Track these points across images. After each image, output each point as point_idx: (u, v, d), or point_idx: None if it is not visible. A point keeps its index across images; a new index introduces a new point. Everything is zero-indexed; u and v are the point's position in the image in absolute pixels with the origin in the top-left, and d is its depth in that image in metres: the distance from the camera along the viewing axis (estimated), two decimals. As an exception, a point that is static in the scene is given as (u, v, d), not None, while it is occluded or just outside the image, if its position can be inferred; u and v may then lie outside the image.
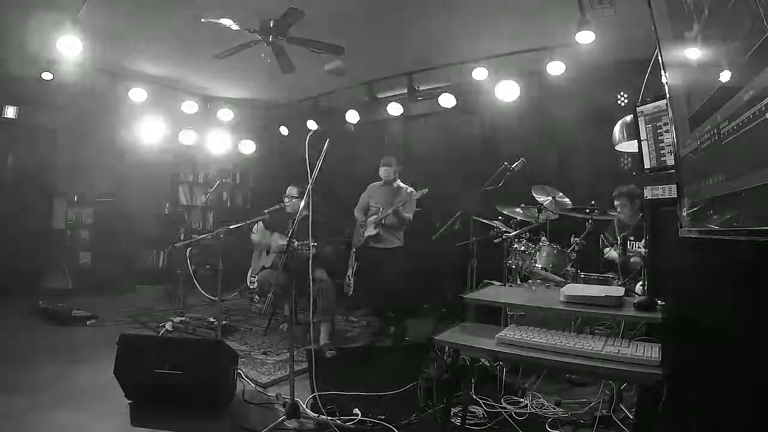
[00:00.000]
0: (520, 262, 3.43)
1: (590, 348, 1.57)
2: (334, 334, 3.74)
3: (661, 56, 1.60)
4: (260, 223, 4.10)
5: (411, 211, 4.02)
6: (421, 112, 5.82)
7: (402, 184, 4.19)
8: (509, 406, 2.50)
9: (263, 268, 3.98)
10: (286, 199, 3.91)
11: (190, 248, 5.46)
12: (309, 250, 2.74)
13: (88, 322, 4.17)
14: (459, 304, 3.08)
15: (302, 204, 2.54)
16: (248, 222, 3.96)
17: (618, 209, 3.44)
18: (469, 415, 2.34)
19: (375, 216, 4.07)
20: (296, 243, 3.07)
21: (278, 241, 3.87)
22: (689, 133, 1.37)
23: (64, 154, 5.83)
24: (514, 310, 2.96)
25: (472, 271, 3.73)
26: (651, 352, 1.51)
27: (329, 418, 2.31)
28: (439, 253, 4.56)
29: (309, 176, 2.38)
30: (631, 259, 3.10)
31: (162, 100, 5.77)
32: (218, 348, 2.58)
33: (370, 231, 4.05)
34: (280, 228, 3.91)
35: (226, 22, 3.60)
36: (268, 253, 4.04)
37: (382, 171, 4.15)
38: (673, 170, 1.68)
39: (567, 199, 3.59)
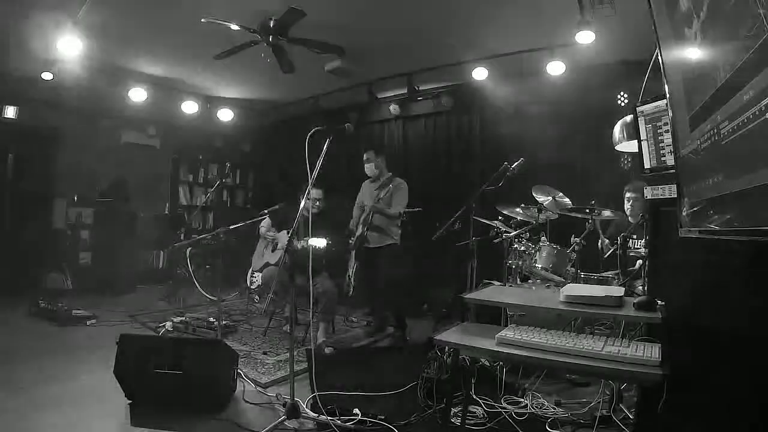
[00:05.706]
0: (520, 262, 3.43)
1: (590, 348, 1.57)
2: (332, 333, 3.75)
3: (661, 56, 1.59)
4: (267, 219, 4.08)
5: (400, 204, 3.93)
6: (421, 112, 5.81)
7: (394, 177, 4.09)
8: (509, 406, 2.50)
9: (267, 264, 3.95)
10: (317, 203, 3.81)
11: (190, 248, 5.48)
12: (309, 246, 2.73)
13: (88, 322, 4.17)
14: (459, 304, 3.08)
15: (306, 205, 2.54)
16: (248, 222, 3.95)
17: (629, 202, 3.44)
18: (469, 415, 2.34)
19: (363, 215, 4.01)
20: (300, 243, 3.07)
21: (286, 238, 3.84)
22: (689, 133, 1.37)
23: (65, 154, 5.82)
24: (514, 310, 2.96)
25: (472, 271, 3.72)
26: (651, 352, 1.51)
27: (329, 418, 2.31)
28: (439, 253, 4.56)
29: (309, 176, 2.38)
30: (634, 260, 3.10)
31: (162, 100, 5.77)
32: (218, 348, 2.58)
33: (358, 231, 4.02)
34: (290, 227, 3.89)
35: (226, 22, 3.60)
36: (273, 250, 4.02)
37: (366, 168, 4.10)
38: (673, 170, 1.68)
39: (567, 199, 3.59)
